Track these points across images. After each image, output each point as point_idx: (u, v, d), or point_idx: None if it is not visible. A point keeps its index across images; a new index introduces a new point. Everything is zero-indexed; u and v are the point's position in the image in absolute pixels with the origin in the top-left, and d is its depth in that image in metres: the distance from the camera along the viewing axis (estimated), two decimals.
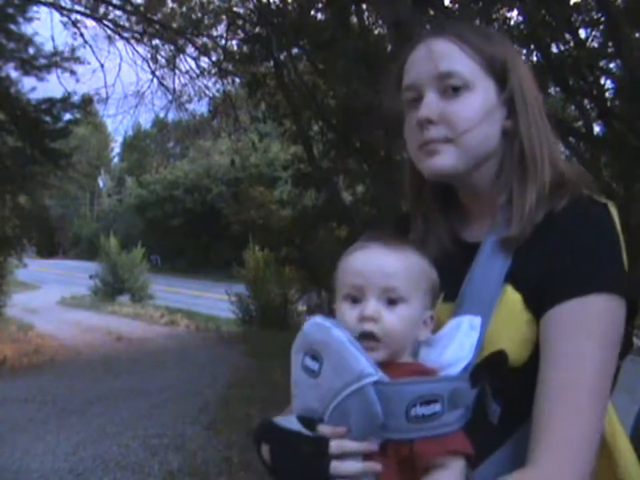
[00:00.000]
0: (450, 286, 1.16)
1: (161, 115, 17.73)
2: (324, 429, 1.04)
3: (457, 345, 1.08)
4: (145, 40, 12.88)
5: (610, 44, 5.73)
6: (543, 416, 1.03)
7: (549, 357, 1.06)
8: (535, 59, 6.53)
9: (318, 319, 1.10)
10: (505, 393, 1.08)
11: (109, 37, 12.92)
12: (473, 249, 1.18)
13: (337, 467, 1.01)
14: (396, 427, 1.00)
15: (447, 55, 1.16)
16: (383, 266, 1.09)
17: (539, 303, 1.08)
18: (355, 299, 1.09)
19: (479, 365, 1.07)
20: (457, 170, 1.17)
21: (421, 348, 1.11)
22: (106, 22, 12.72)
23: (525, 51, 6.42)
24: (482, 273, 1.14)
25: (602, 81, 6.57)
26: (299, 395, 1.09)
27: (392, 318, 1.06)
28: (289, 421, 1.08)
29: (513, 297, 1.10)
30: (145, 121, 39.74)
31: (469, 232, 1.26)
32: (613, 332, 1.06)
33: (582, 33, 6.48)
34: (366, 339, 1.05)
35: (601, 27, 6.01)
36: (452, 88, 1.15)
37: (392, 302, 1.07)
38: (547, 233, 1.11)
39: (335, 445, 1.02)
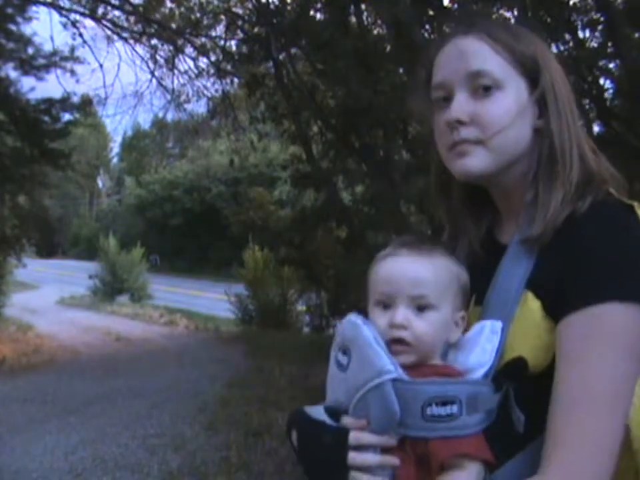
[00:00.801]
0: (481, 288, 1.16)
1: (160, 115, 17.72)
2: (346, 421, 1.08)
3: (479, 349, 1.09)
4: (144, 40, 12.88)
5: (609, 44, 5.73)
6: (554, 428, 1.02)
7: (560, 367, 1.04)
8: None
9: (352, 316, 1.14)
10: (526, 400, 1.07)
11: (108, 37, 12.92)
12: (504, 249, 1.17)
13: (354, 457, 1.05)
14: (413, 424, 1.03)
15: (477, 53, 1.14)
16: (412, 274, 1.11)
17: (558, 310, 1.06)
18: (386, 305, 1.12)
19: (499, 371, 1.08)
20: (488, 171, 1.15)
21: (450, 350, 1.13)
22: (105, 22, 12.71)
23: None
24: (505, 276, 1.13)
25: (601, 81, 6.57)
26: (331, 388, 1.14)
27: (422, 324, 1.09)
28: (317, 411, 1.14)
29: (533, 304, 1.09)
30: (144, 121, 39.68)
31: (501, 232, 1.25)
32: (631, 342, 1.02)
33: (581, 33, 6.49)
34: (397, 343, 1.08)
35: (600, 27, 6.00)
36: (483, 87, 1.13)
37: (421, 309, 1.10)
38: (568, 236, 1.08)
39: (353, 436, 1.06)
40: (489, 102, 1.13)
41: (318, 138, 9.61)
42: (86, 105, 12.61)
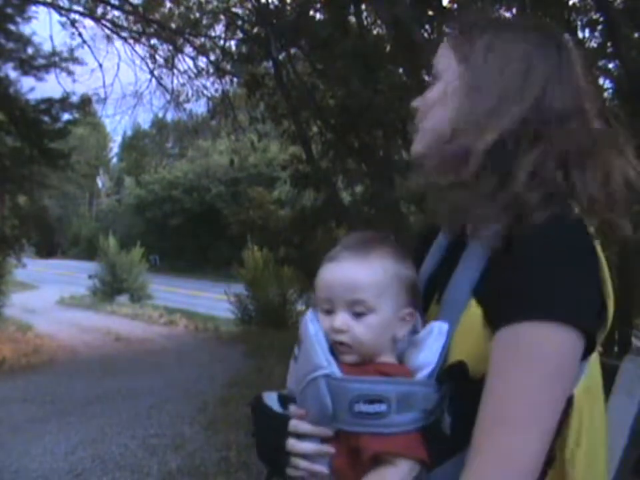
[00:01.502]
0: (443, 287, 1.17)
1: (160, 114, 17.72)
2: (291, 409, 1.17)
3: (427, 349, 1.11)
4: (144, 40, 12.87)
5: (609, 44, 5.73)
6: (476, 436, 1.02)
7: (487, 379, 1.03)
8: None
9: (309, 312, 1.21)
10: (466, 404, 1.05)
11: (108, 37, 12.91)
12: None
13: (293, 444, 1.14)
14: (344, 419, 1.08)
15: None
16: (347, 280, 1.14)
17: (494, 321, 1.04)
18: (328, 310, 1.16)
19: (442, 372, 1.09)
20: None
21: (408, 347, 1.16)
22: (104, 22, 12.70)
23: None
24: (459, 278, 1.13)
25: (601, 81, 6.57)
26: (289, 377, 1.24)
27: (360, 329, 1.13)
28: (270, 397, 1.23)
29: (475, 311, 1.07)
30: (144, 120, 39.67)
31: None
32: (556, 364, 0.99)
33: (581, 33, 6.49)
34: (339, 345, 1.13)
35: (600, 27, 6.01)
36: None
37: (359, 313, 1.13)
38: (515, 247, 1.04)
39: (292, 424, 1.15)
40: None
41: (317, 138, 9.60)
42: (85, 104, 12.60)
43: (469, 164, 1.10)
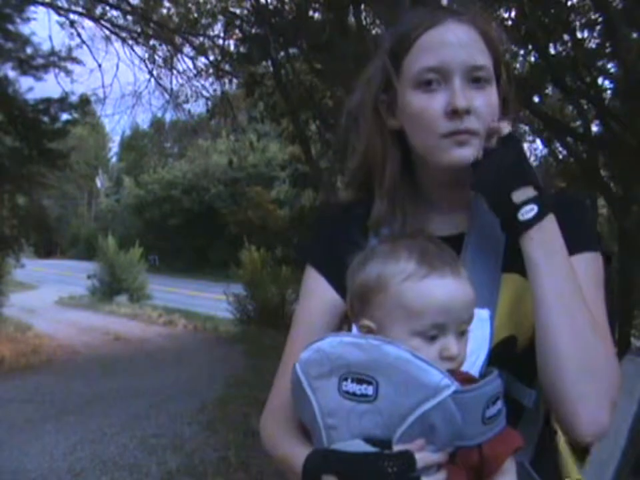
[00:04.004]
0: None
1: (159, 114, 17.71)
2: (401, 447, 0.97)
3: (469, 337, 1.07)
4: (143, 40, 12.87)
5: (607, 44, 5.74)
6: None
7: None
8: (532, 59, 6.54)
9: (346, 337, 1.02)
10: (519, 377, 1.12)
11: (107, 37, 12.91)
12: (451, 241, 1.15)
13: None
14: (471, 433, 0.96)
15: (477, 46, 1.16)
16: (469, 300, 1.03)
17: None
18: (432, 334, 1.01)
19: (491, 356, 1.08)
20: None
21: None
22: (103, 22, 12.69)
23: (522, 52, 6.44)
24: (475, 268, 1.13)
25: (600, 81, 6.58)
26: (342, 425, 1.00)
27: (463, 349, 1.03)
28: (355, 446, 0.99)
29: (514, 283, 1.14)
30: (143, 120, 39.70)
31: (435, 224, 1.23)
32: (602, 280, 1.20)
33: (580, 34, 6.49)
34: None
35: (599, 27, 6.01)
36: (476, 79, 1.15)
37: (462, 332, 1.04)
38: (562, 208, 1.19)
39: (420, 458, 0.96)
40: (484, 95, 1.15)
41: (316, 138, 9.61)
42: (84, 104, 12.59)
43: None
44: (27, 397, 8.32)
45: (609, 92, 6.50)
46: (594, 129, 6.92)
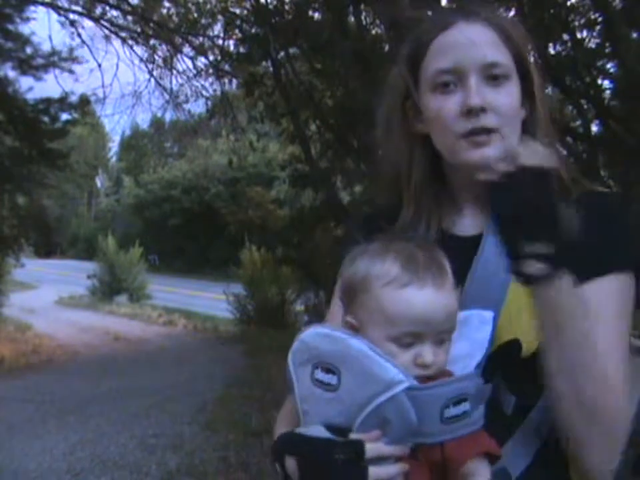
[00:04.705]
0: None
1: (159, 114, 17.70)
2: (357, 436, 1.00)
3: (465, 341, 1.07)
4: (142, 40, 12.88)
5: (607, 44, 5.73)
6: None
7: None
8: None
9: (322, 329, 1.06)
10: (517, 382, 1.08)
11: (106, 37, 12.91)
12: (465, 241, 1.19)
13: (375, 471, 0.98)
14: (430, 430, 0.98)
15: (491, 43, 1.16)
16: (449, 310, 1.03)
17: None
18: (408, 343, 1.02)
19: (492, 359, 1.07)
20: (498, 161, 1.13)
21: None
22: (103, 22, 12.71)
23: None
24: (487, 266, 1.14)
25: (599, 81, 6.58)
26: (312, 411, 1.05)
27: (443, 357, 1.04)
28: (315, 431, 1.03)
29: (526, 288, 1.08)
30: (143, 120, 39.68)
31: (459, 225, 1.25)
32: (628, 307, 1.12)
33: (579, 34, 6.49)
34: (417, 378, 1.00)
35: (598, 27, 6.01)
36: (493, 77, 1.15)
37: (442, 341, 1.04)
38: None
39: (370, 448, 0.98)
40: (501, 91, 1.15)
41: (316, 138, 9.61)
42: (84, 104, 12.60)
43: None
44: (27, 397, 8.32)
45: (608, 92, 6.50)
46: (594, 128, 6.92)
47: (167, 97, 13.88)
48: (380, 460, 0.99)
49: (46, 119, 11.49)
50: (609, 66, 6.18)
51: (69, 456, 5.84)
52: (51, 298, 21.97)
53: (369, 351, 0.99)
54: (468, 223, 1.24)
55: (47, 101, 11.28)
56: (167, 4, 12.10)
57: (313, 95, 9.19)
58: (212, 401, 7.61)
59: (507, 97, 1.15)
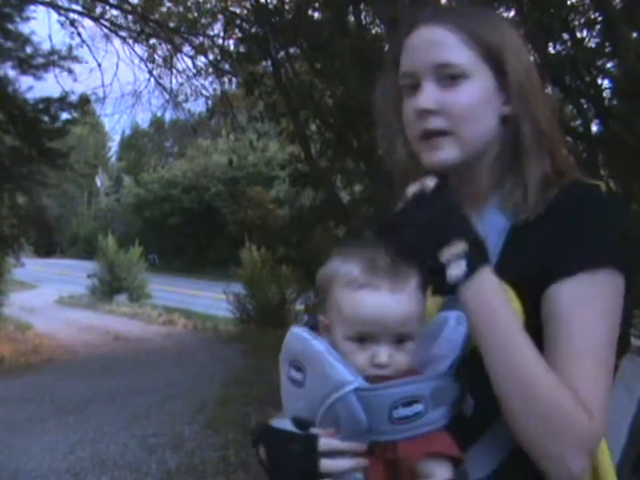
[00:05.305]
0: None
1: (159, 114, 17.71)
2: (314, 430, 1.07)
3: (443, 341, 1.08)
4: (142, 39, 12.88)
5: (607, 44, 5.73)
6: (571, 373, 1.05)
7: (561, 326, 1.07)
8: (532, 58, 6.54)
9: (296, 329, 1.12)
10: (484, 386, 1.07)
11: (106, 36, 12.92)
12: None
13: (327, 464, 1.04)
14: (381, 429, 1.02)
15: (444, 44, 1.15)
16: (400, 315, 1.05)
17: (531, 287, 1.09)
18: (363, 340, 1.06)
19: (463, 360, 1.08)
20: (458, 162, 1.16)
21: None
22: (103, 21, 12.71)
23: None
24: None
25: (599, 81, 6.57)
26: (288, 405, 1.13)
27: (402, 359, 1.06)
28: (283, 423, 1.11)
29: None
30: (143, 120, 39.68)
31: None
32: (617, 304, 1.10)
33: (579, 33, 6.49)
34: (374, 378, 1.05)
35: (598, 26, 6.01)
36: (450, 77, 1.14)
37: (401, 341, 1.06)
38: (543, 217, 1.12)
39: (323, 443, 1.05)
40: (456, 91, 1.14)
41: (316, 137, 9.60)
42: (84, 104, 12.59)
43: (542, 162, 1.17)
44: (27, 396, 8.32)
45: (608, 91, 6.49)
46: (594, 128, 6.91)
47: (166, 96, 13.91)
48: (334, 454, 1.04)
49: (46, 118, 11.48)
50: (608, 65, 6.17)
51: (69, 455, 5.85)
52: (51, 297, 21.97)
53: (324, 352, 1.05)
54: None
55: (47, 101, 11.27)
56: (167, 3, 12.09)
57: (312, 94, 9.18)
58: (212, 401, 7.61)
59: (463, 96, 1.14)
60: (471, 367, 1.08)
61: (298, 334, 1.10)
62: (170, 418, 6.97)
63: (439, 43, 1.15)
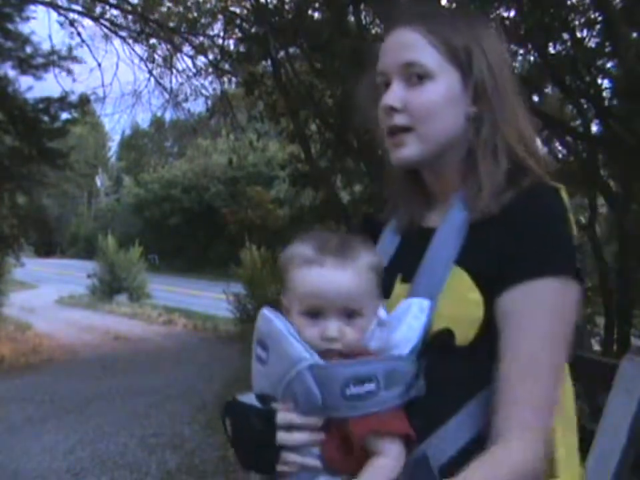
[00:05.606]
0: (410, 267, 1.21)
1: (159, 114, 17.70)
2: (275, 405, 1.14)
3: (406, 326, 1.13)
4: (142, 39, 12.87)
5: (607, 43, 5.73)
6: (508, 392, 1.08)
7: (509, 336, 1.11)
8: (532, 58, 6.54)
9: (265, 310, 1.20)
10: (448, 371, 1.13)
11: (106, 36, 12.91)
12: (429, 233, 1.23)
13: (283, 437, 1.12)
14: (335, 406, 1.08)
15: (413, 46, 1.21)
16: (344, 289, 1.12)
17: (490, 286, 1.13)
18: (314, 315, 1.13)
19: (426, 344, 1.13)
20: (420, 159, 1.22)
21: (375, 327, 1.17)
22: (103, 21, 12.70)
23: (522, 51, 6.42)
24: (434, 256, 1.18)
25: (599, 81, 6.57)
26: (255, 382, 1.22)
27: (352, 333, 1.12)
28: (248, 398, 1.20)
29: (461, 278, 1.14)
30: (143, 120, 39.66)
31: (430, 216, 1.30)
32: (565, 311, 1.13)
33: (579, 33, 6.48)
34: (327, 352, 1.11)
35: (598, 26, 6.00)
36: (416, 77, 1.20)
37: (351, 316, 1.12)
38: (500, 219, 1.15)
39: (281, 416, 1.13)
40: (421, 90, 1.19)
41: (316, 137, 9.61)
42: (84, 103, 12.59)
43: (501, 161, 1.21)
44: (27, 396, 8.31)
45: (608, 91, 6.49)
46: (593, 128, 6.91)
47: (166, 96, 13.89)
48: (292, 428, 1.12)
49: (46, 118, 11.47)
50: (608, 65, 6.17)
51: (68, 455, 5.84)
52: (51, 297, 21.97)
53: (284, 330, 1.13)
54: (434, 216, 1.29)
55: (47, 100, 11.27)
56: (167, 3, 12.08)
57: (313, 94, 9.18)
58: (212, 401, 7.61)
59: (426, 95, 1.19)
60: (431, 353, 1.13)
61: (264, 314, 1.18)
62: (170, 418, 6.97)
63: (408, 44, 1.21)
